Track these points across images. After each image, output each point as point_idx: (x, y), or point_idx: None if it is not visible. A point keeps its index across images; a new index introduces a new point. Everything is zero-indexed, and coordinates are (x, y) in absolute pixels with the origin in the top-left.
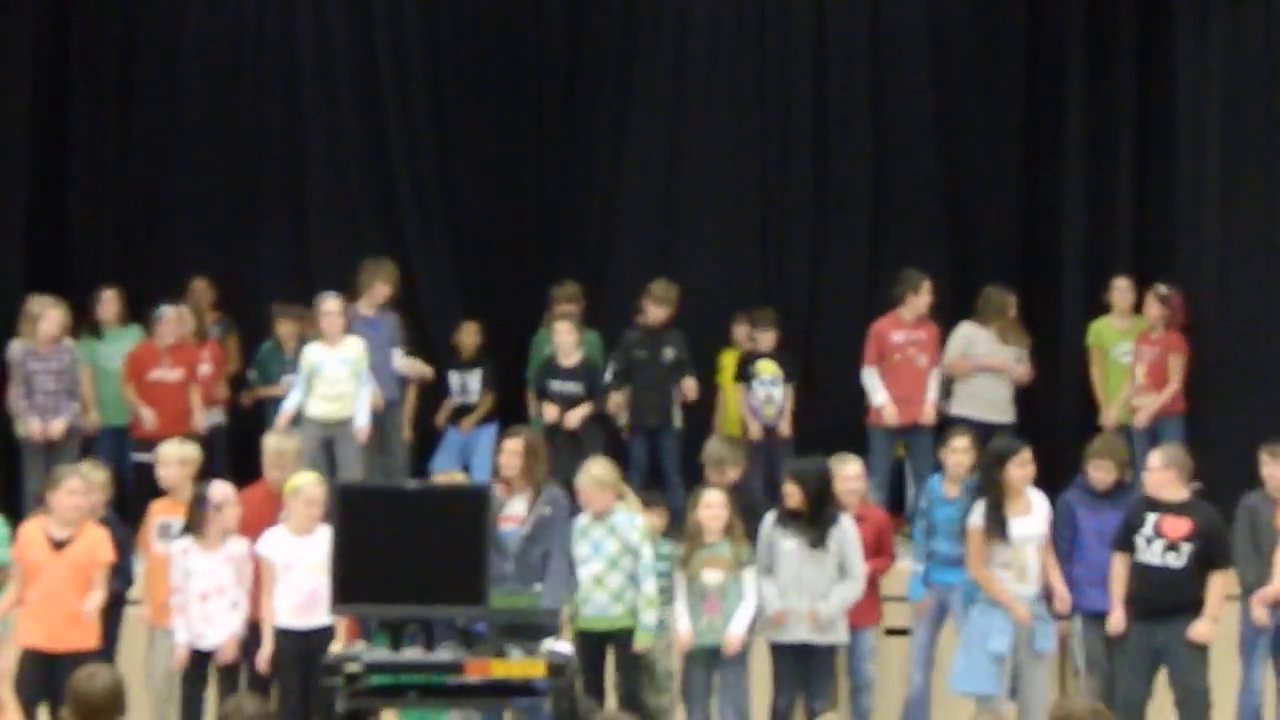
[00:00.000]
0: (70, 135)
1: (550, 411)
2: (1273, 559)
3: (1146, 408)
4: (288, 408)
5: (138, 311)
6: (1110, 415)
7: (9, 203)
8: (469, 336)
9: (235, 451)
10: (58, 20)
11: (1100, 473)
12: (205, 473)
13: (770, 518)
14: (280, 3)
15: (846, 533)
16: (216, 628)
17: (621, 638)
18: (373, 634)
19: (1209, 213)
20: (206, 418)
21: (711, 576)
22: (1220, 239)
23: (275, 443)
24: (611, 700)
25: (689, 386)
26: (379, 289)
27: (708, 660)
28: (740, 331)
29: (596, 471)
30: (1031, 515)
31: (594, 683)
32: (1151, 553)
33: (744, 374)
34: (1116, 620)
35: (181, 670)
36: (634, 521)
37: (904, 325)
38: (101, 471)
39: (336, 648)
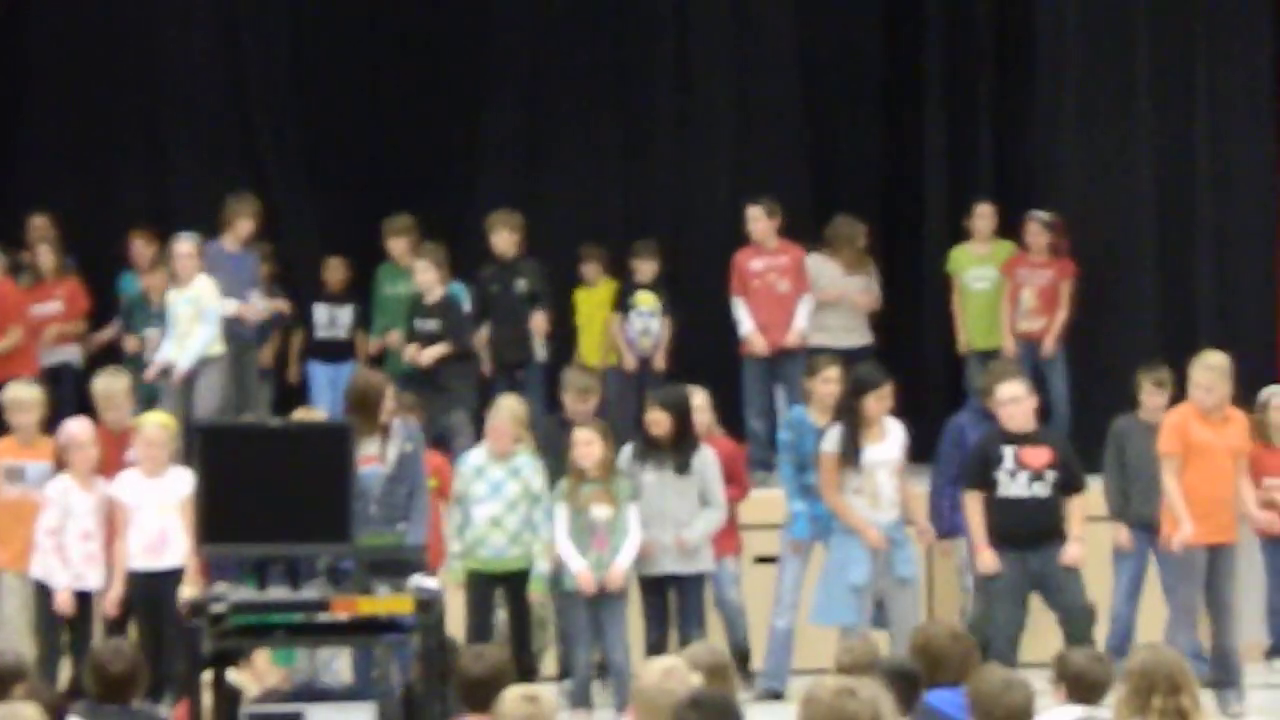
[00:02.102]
0: None
1: (410, 350)
2: (1137, 483)
3: (1051, 334)
4: (158, 357)
5: None
6: (963, 341)
7: None
8: (336, 272)
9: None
10: None
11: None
12: (54, 412)
13: (628, 450)
14: None
15: (707, 461)
16: (97, 568)
17: (513, 581)
18: (242, 574)
19: (1067, 138)
20: (56, 354)
21: (600, 512)
22: (1079, 164)
23: (103, 385)
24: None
25: (539, 320)
26: (242, 225)
27: (593, 598)
28: (590, 269)
29: (514, 406)
30: (885, 442)
31: (483, 626)
32: (1018, 485)
33: (623, 304)
34: (988, 560)
35: (41, 612)
36: (536, 465)
37: (764, 252)
38: None
39: (187, 590)
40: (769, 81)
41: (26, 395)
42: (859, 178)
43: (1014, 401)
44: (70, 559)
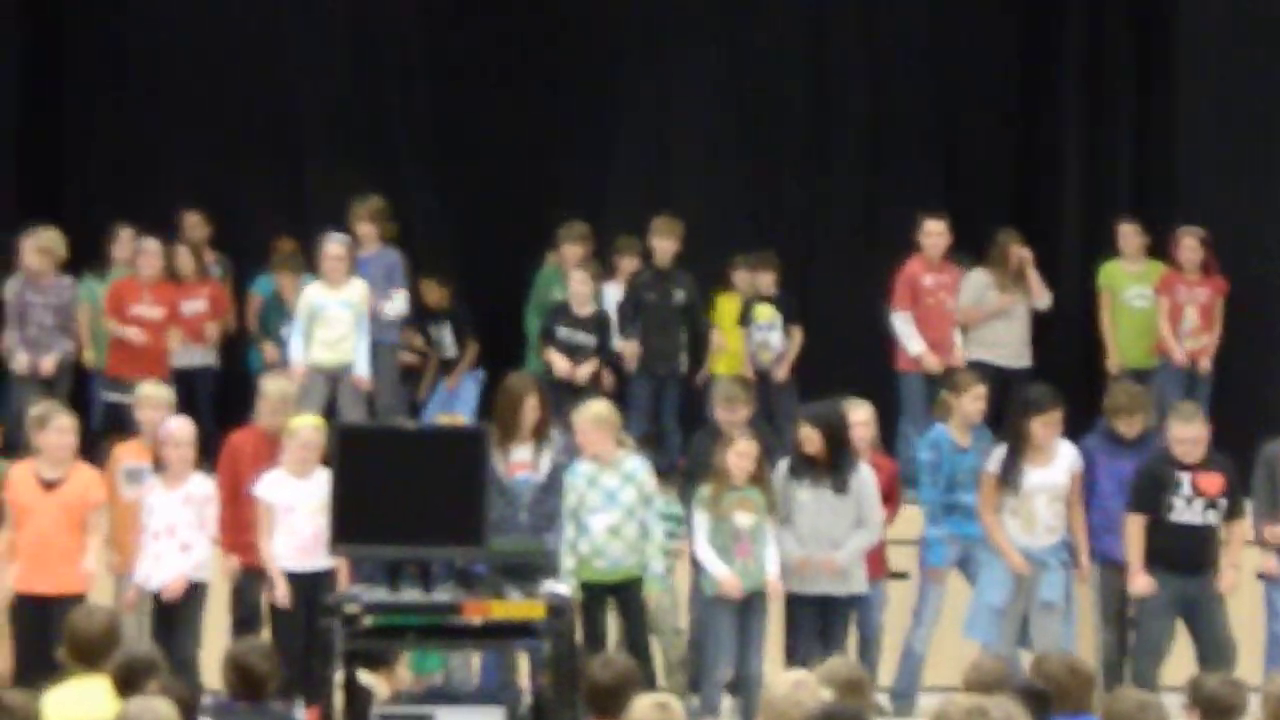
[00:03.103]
0: (62, 68)
1: (560, 364)
2: None
3: (1209, 353)
4: (297, 360)
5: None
6: (1115, 360)
7: (3, 138)
8: (432, 292)
9: (221, 393)
10: None
11: (1131, 427)
12: (191, 413)
13: (783, 466)
14: None
15: (865, 480)
16: (164, 568)
17: (627, 589)
18: (377, 575)
19: (1209, 153)
20: (192, 356)
21: (744, 519)
22: (1217, 177)
23: (279, 388)
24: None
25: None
26: (361, 227)
27: (738, 607)
28: (740, 277)
29: (600, 409)
30: (1051, 467)
31: (598, 637)
32: (1193, 512)
33: (745, 318)
34: (1144, 584)
35: (133, 610)
36: (647, 467)
37: (933, 268)
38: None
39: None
40: (903, 94)
41: (156, 394)
42: (993, 188)
43: (1193, 442)
44: (145, 556)
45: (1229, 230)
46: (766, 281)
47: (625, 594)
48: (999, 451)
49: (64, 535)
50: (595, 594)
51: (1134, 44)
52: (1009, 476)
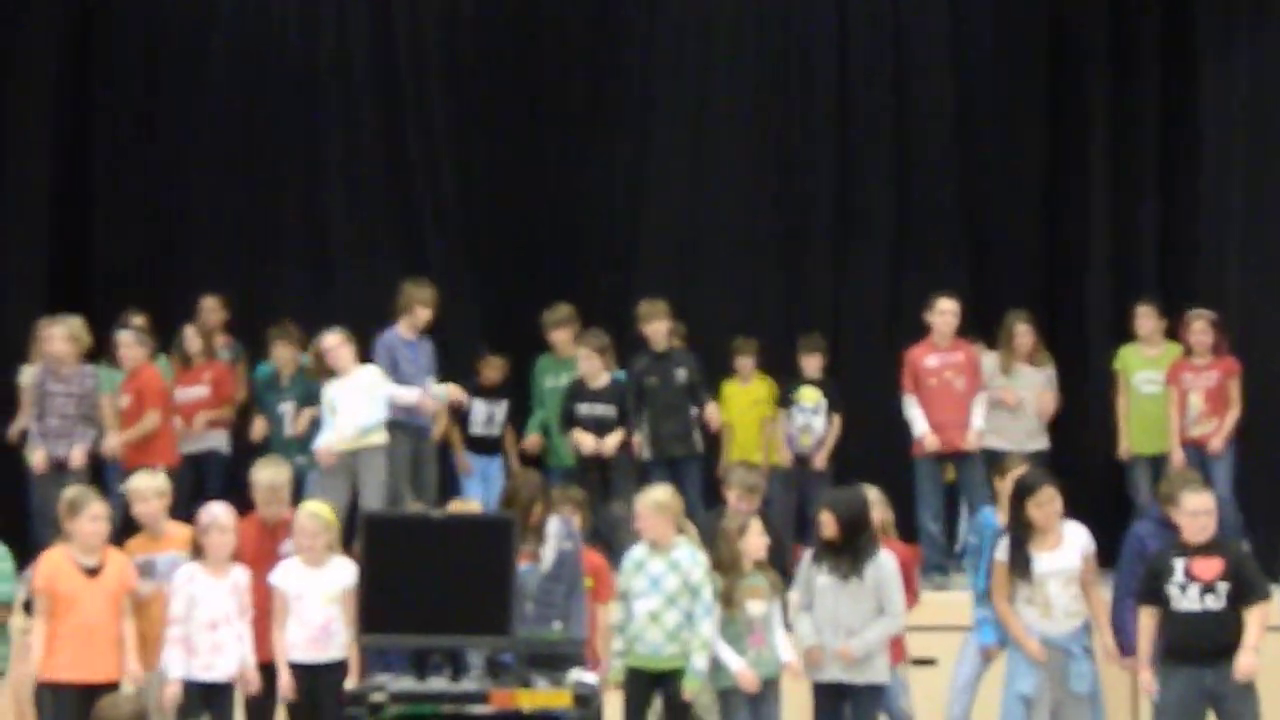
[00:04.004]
0: (93, 158)
1: (587, 441)
2: None
3: (1221, 434)
4: (321, 443)
5: (162, 336)
6: (1125, 446)
7: (32, 226)
8: (494, 369)
9: (235, 478)
10: (80, 44)
11: None
12: (201, 498)
13: (809, 553)
14: (302, 27)
15: (884, 567)
16: (226, 657)
17: (671, 680)
18: (403, 664)
19: (1234, 237)
20: (201, 440)
21: (755, 607)
22: (1245, 263)
23: (269, 477)
24: None
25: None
26: (419, 312)
27: (751, 696)
28: (742, 363)
29: (660, 496)
30: (1060, 550)
31: None
32: (1189, 599)
33: (785, 399)
34: (1147, 681)
35: (174, 706)
36: (697, 558)
37: (938, 349)
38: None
39: (350, 683)
40: (929, 178)
41: (145, 485)
42: (1021, 272)
43: (1207, 514)
44: (196, 648)
45: (1260, 317)
46: (813, 365)
47: (668, 685)
48: (1004, 540)
49: (109, 622)
50: (639, 680)
51: (1160, 134)
52: (1018, 563)
